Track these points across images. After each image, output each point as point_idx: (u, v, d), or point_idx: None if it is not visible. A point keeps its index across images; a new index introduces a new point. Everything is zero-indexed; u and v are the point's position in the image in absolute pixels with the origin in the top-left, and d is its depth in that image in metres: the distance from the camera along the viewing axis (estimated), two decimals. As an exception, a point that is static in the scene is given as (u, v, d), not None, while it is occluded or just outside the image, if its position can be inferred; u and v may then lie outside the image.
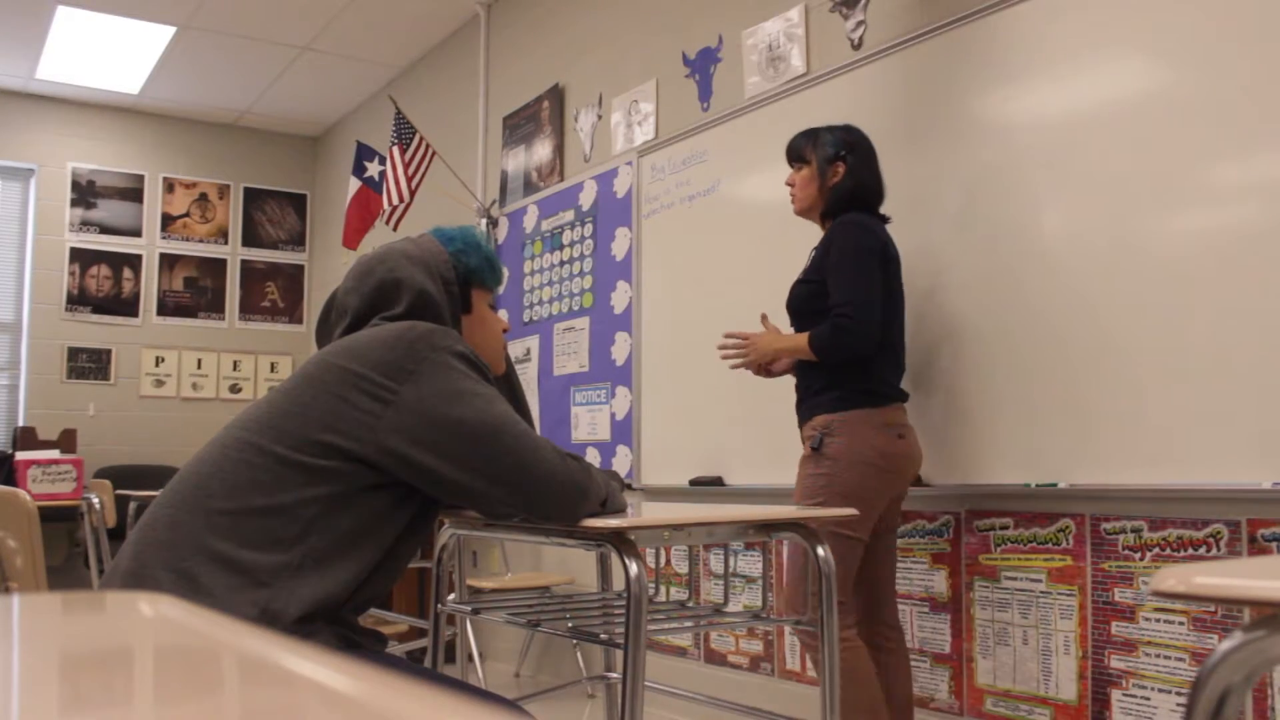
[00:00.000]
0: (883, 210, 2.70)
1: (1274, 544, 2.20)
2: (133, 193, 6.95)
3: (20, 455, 4.14)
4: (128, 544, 1.52)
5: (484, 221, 5.15)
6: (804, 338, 2.51)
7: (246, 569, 1.43)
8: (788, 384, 3.28)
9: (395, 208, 4.93)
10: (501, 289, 1.90)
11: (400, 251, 1.75)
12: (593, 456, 4.29)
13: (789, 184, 2.71)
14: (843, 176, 2.61)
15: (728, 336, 2.69)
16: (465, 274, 1.79)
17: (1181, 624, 2.34)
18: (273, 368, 7.30)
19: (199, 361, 7.07)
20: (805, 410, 2.58)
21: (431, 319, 1.68)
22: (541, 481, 1.55)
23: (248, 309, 7.30)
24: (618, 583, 2.31)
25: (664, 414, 3.91)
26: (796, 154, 2.68)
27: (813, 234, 3.30)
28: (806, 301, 2.58)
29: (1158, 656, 2.38)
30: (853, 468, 2.45)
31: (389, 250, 1.76)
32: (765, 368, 2.68)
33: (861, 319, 2.45)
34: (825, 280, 2.52)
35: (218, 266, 7.22)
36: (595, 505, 1.64)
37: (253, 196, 7.38)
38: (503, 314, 1.97)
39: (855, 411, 2.48)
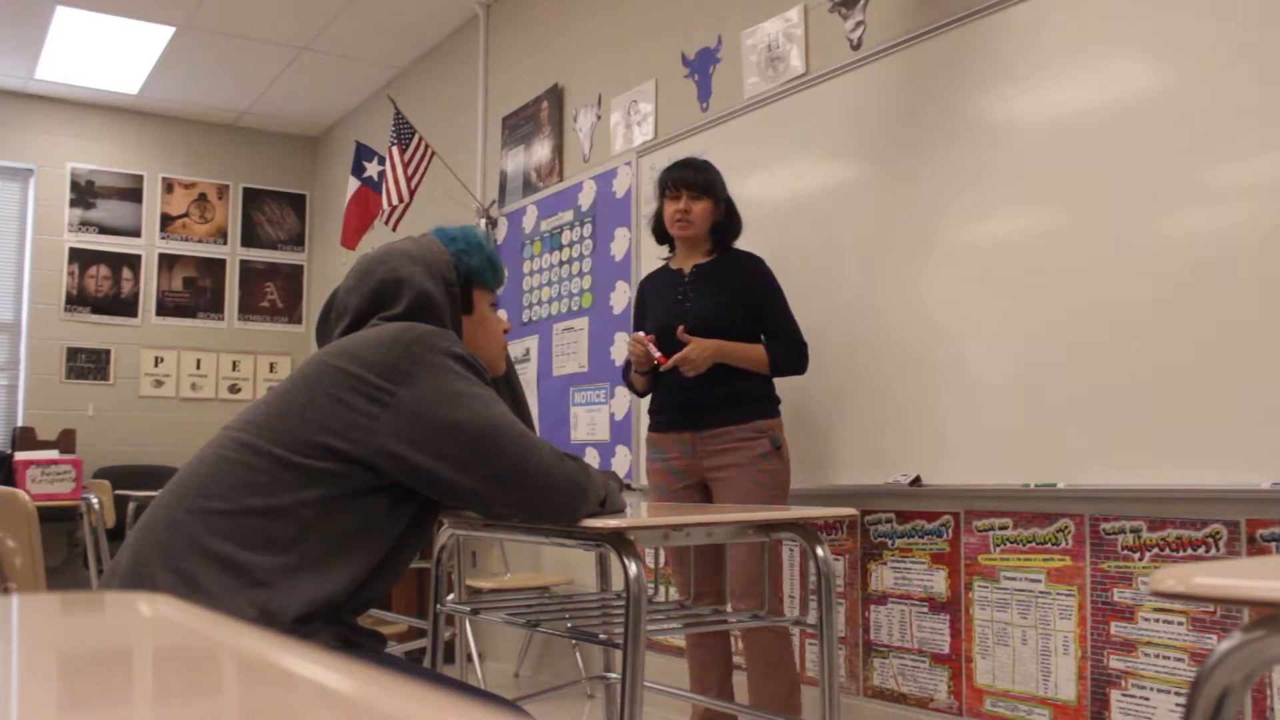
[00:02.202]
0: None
1: (1273, 544, 2.20)
2: (132, 193, 6.95)
3: (19, 455, 4.13)
4: (126, 544, 1.51)
5: (483, 222, 5.15)
6: (755, 349, 2.85)
7: (245, 569, 1.43)
8: (784, 382, 3.28)
9: (395, 208, 4.93)
10: (503, 289, 1.90)
11: (402, 251, 1.74)
12: (592, 457, 4.29)
13: (684, 210, 2.91)
14: (726, 216, 2.99)
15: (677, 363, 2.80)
16: (466, 274, 1.78)
17: (1180, 624, 2.34)
18: (272, 368, 7.30)
19: (198, 362, 7.06)
20: (740, 412, 2.82)
21: (432, 319, 1.68)
22: (539, 482, 1.55)
23: (247, 309, 7.30)
24: (617, 583, 2.31)
25: (663, 414, 3.90)
26: (704, 187, 2.93)
27: (813, 233, 3.30)
28: (737, 322, 2.87)
29: (1157, 657, 2.38)
30: (788, 464, 2.89)
31: (390, 250, 1.75)
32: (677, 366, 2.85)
33: (806, 343, 2.93)
34: (743, 304, 2.88)
35: (217, 267, 7.22)
36: (594, 505, 1.64)
37: (252, 197, 7.38)
38: (503, 314, 1.97)
39: (780, 418, 2.91)
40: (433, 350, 1.55)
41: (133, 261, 6.92)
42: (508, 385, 1.93)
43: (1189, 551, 2.34)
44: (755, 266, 2.95)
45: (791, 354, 2.90)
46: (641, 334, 2.89)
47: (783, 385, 3.05)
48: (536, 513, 1.59)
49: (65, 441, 6.17)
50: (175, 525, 1.47)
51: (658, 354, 2.83)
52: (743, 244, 3.52)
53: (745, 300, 2.89)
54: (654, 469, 2.97)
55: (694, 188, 2.93)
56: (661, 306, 3.02)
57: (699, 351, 2.78)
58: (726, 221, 3.00)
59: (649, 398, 3.06)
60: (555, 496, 1.57)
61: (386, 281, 1.70)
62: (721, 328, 2.84)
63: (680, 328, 2.80)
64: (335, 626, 1.52)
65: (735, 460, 2.80)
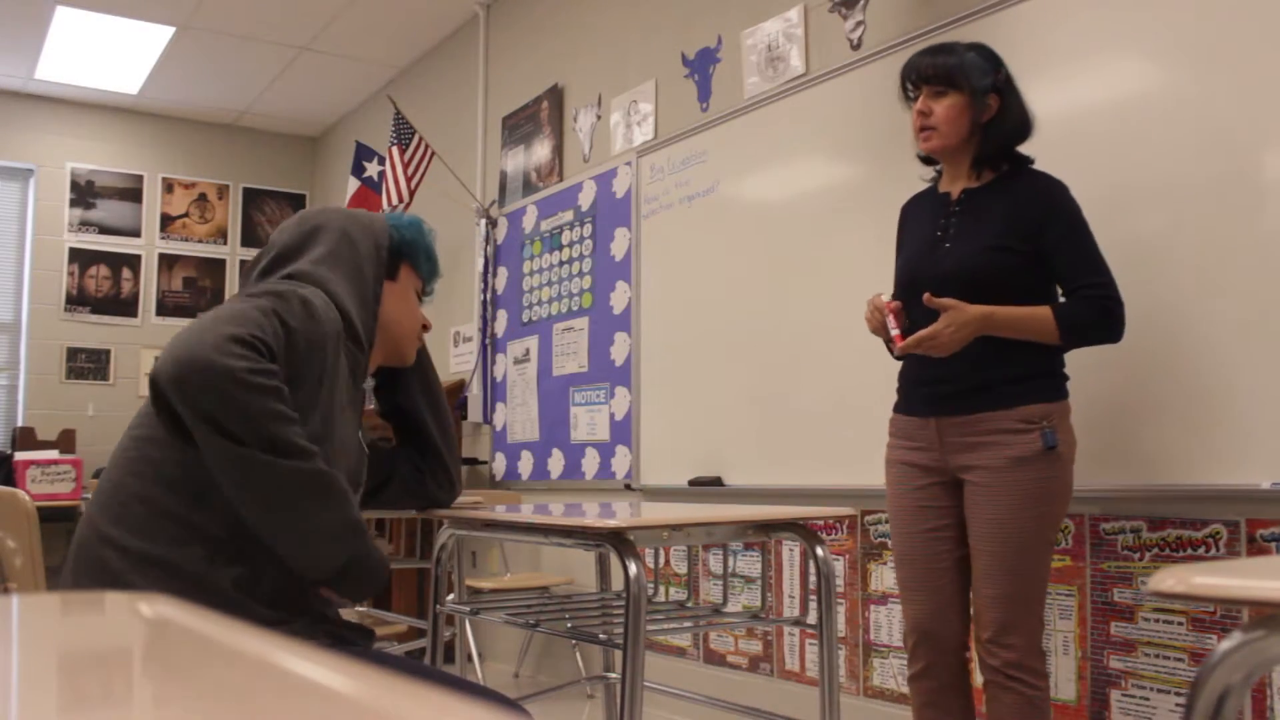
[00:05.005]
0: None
1: (1273, 544, 2.20)
2: (132, 193, 6.95)
3: (19, 455, 4.14)
4: (66, 568, 1.51)
5: (483, 222, 5.15)
6: (1038, 313, 2.06)
7: (162, 562, 1.42)
8: (785, 383, 3.27)
9: (394, 208, 4.93)
10: (433, 286, 1.90)
11: (340, 209, 1.78)
12: (592, 456, 4.29)
13: (923, 112, 2.17)
14: (998, 112, 2.17)
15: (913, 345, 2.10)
16: (398, 245, 1.79)
17: (1180, 624, 2.34)
18: (272, 368, 7.29)
19: (198, 362, 7.05)
20: (1004, 394, 2.08)
21: (350, 265, 1.67)
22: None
23: (247, 309, 7.29)
24: (616, 583, 2.31)
25: (663, 414, 3.91)
26: (943, 76, 2.14)
27: (813, 233, 3.30)
28: (1014, 274, 2.09)
29: (1157, 657, 2.38)
30: (1071, 468, 2.10)
31: (331, 206, 1.80)
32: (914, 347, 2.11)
33: (1121, 301, 2.10)
34: (1025, 250, 2.10)
35: (217, 267, 7.22)
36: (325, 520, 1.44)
37: (252, 197, 7.37)
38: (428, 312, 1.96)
39: (1067, 401, 2.13)
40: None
41: (133, 261, 6.91)
42: (421, 378, 1.90)
43: (1189, 551, 2.34)
44: (1050, 192, 2.14)
45: (1095, 314, 2.07)
46: (884, 299, 2.18)
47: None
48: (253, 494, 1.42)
49: (65, 441, 6.17)
50: (97, 537, 1.46)
51: (895, 330, 2.12)
52: (744, 240, 3.52)
53: (1027, 241, 2.10)
54: (892, 459, 2.28)
55: (934, 80, 2.15)
56: (915, 244, 2.27)
57: (953, 328, 2.03)
58: (998, 121, 2.17)
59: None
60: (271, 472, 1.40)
61: (316, 226, 1.71)
62: (987, 281, 2.09)
63: (926, 295, 2.05)
64: (314, 620, 1.52)
65: (990, 460, 2.07)
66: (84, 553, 1.47)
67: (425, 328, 1.86)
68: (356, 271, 1.68)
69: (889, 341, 2.20)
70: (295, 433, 1.41)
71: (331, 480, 1.43)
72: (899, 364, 2.32)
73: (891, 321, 2.14)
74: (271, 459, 1.37)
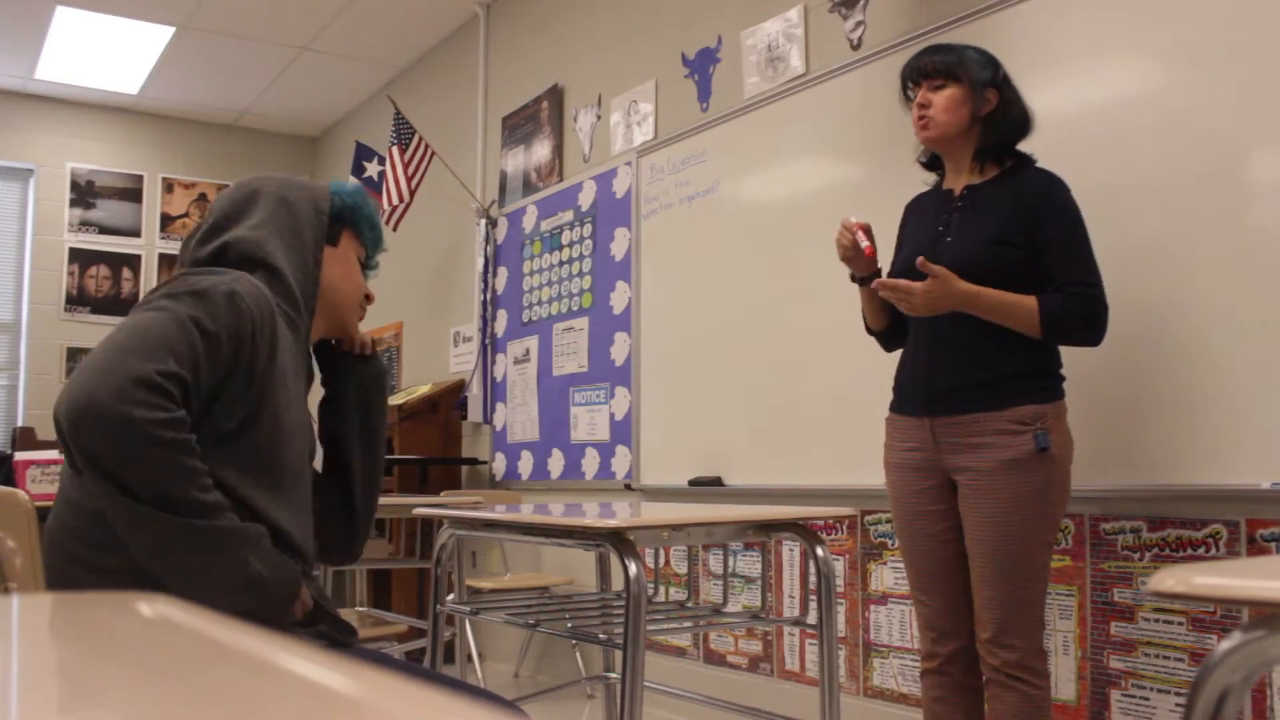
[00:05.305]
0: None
1: (1273, 544, 2.20)
2: (132, 193, 6.95)
3: (19, 455, 4.13)
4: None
5: (483, 222, 5.15)
6: (1023, 301, 2.06)
7: (138, 574, 1.40)
8: (785, 383, 3.27)
9: (395, 208, 4.93)
10: (377, 257, 1.85)
11: (279, 175, 1.74)
12: (592, 456, 4.29)
13: (923, 104, 2.21)
14: (998, 106, 2.20)
15: (888, 288, 2.13)
16: (340, 210, 1.74)
17: (1180, 624, 2.34)
18: (272, 368, 7.28)
19: (198, 362, 7.05)
20: (997, 394, 2.09)
21: (288, 229, 1.64)
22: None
23: (247, 309, 7.28)
24: (616, 583, 2.31)
25: (663, 414, 3.91)
26: (942, 69, 2.19)
27: (813, 233, 3.30)
28: (1012, 269, 2.10)
29: (1157, 657, 2.38)
30: (1067, 469, 2.10)
31: (270, 173, 1.75)
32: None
33: (1107, 305, 2.12)
34: (1023, 244, 2.11)
35: (217, 267, 7.22)
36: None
37: (252, 197, 7.37)
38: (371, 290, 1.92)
39: (1062, 401, 2.12)
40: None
41: (133, 261, 6.91)
42: (361, 403, 1.78)
43: (1189, 551, 2.34)
44: (1050, 188, 2.15)
45: (1079, 313, 2.08)
46: (853, 218, 2.22)
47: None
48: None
49: (65, 441, 6.16)
50: (62, 556, 1.46)
51: (865, 244, 2.19)
52: (744, 240, 3.52)
53: (1024, 235, 2.11)
54: (889, 462, 2.29)
55: (935, 74, 2.20)
56: (917, 237, 2.28)
57: (934, 294, 2.06)
58: (997, 115, 2.20)
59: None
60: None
61: (254, 191, 1.67)
62: (985, 275, 2.08)
63: (920, 258, 2.06)
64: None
65: (983, 463, 2.07)
66: (53, 574, 1.46)
67: (368, 298, 1.80)
68: (295, 235, 1.64)
69: (859, 271, 2.27)
70: (200, 486, 1.35)
71: (231, 536, 1.36)
72: (898, 365, 2.34)
73: (862, 237, 2.19)
74: (157, 513, 1.31)
